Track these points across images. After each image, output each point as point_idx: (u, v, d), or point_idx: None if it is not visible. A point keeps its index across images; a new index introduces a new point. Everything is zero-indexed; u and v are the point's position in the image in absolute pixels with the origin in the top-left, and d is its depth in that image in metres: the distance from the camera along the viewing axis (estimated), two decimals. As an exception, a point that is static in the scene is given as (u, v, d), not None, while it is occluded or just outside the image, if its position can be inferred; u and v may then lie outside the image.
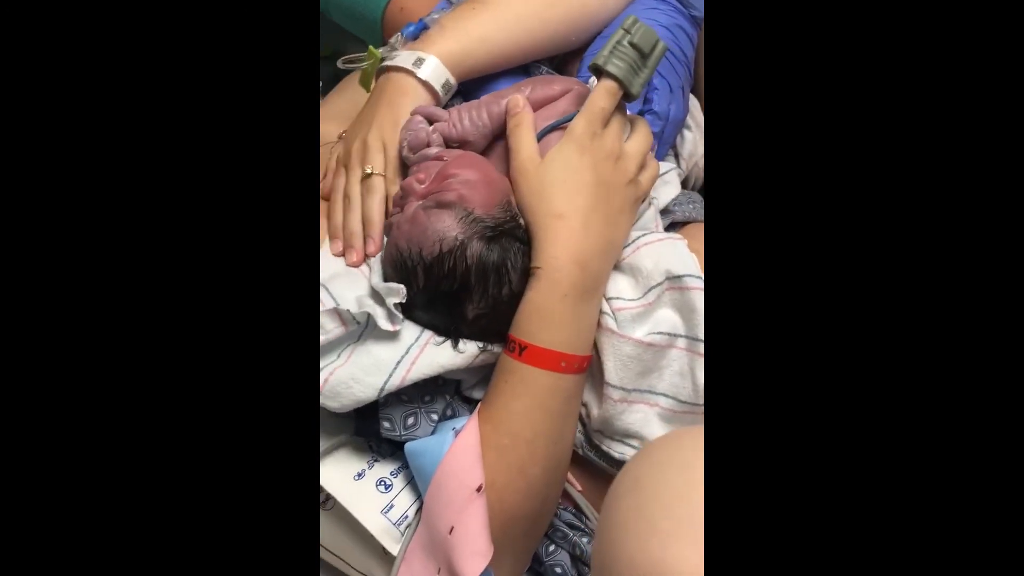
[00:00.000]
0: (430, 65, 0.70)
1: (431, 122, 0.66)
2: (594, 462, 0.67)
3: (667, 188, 0.74)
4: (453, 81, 0.72)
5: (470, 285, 0.59)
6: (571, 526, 0.67)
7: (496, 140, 0.67)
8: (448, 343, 0.60)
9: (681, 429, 0.59)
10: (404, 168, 0.70)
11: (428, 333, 0.61)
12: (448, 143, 0.66)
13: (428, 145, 0.65)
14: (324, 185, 0.73)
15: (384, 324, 0.59)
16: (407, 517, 0.63)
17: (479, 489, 0.57)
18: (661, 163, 0.75)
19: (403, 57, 0.71)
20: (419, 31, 0.75)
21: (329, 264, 0.66)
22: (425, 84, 0.70)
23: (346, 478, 0.64)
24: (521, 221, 0.61)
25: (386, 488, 0.64)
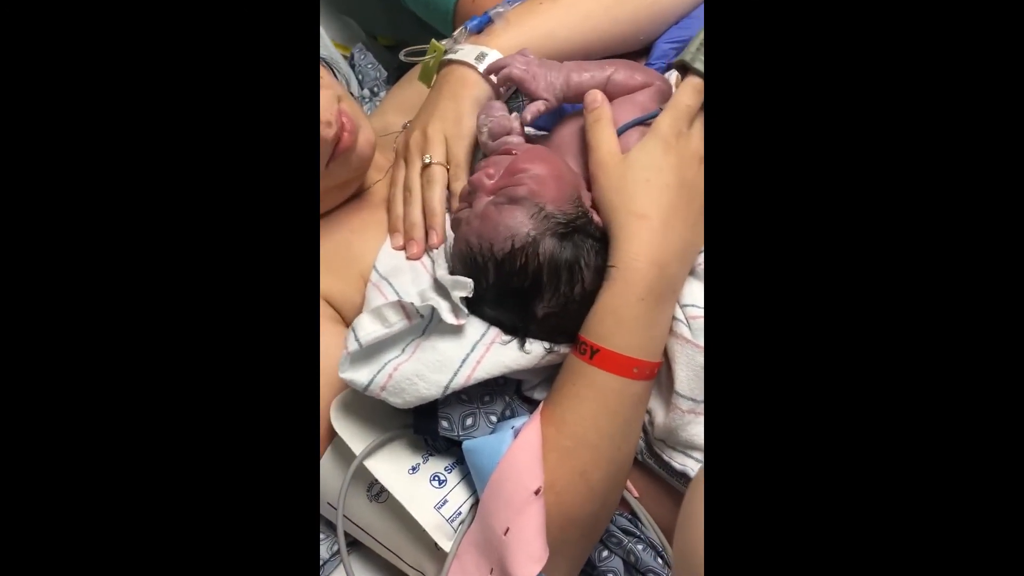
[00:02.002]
0: (492, 60, 0.69)
1: (501, 88, 0.66)
2: (653, 470, 0.65)
3: None
4: None
5: (542, 283, 0.58)
6: (626, 532, 0.66)
7: (566, 131, 0.65)
8: (514, 343, 0.59)
9: None
10: (472, 159, 0.69)
11: (494, 331, 0.60)
12: (520, 90, 0.65)
13: (509, 132, 0.64)
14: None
15: (448, 318, 0.57)
16: (460, 513, 0.62)
17: (537, 491, 0.56)
18: None
19: (466, 51, 0.70)
20: (483, 24, 0.73)
21: (389, 259, 0.65)
22: (487, 79, 0.69)
23: (400, 471, 0.63)
24: (594, 217, 0.60)
25: (440, 483, 0.63)
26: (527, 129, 0.68)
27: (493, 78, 0.68)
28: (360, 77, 1.04)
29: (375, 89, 1.02)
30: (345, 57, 1.07)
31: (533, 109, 0.65)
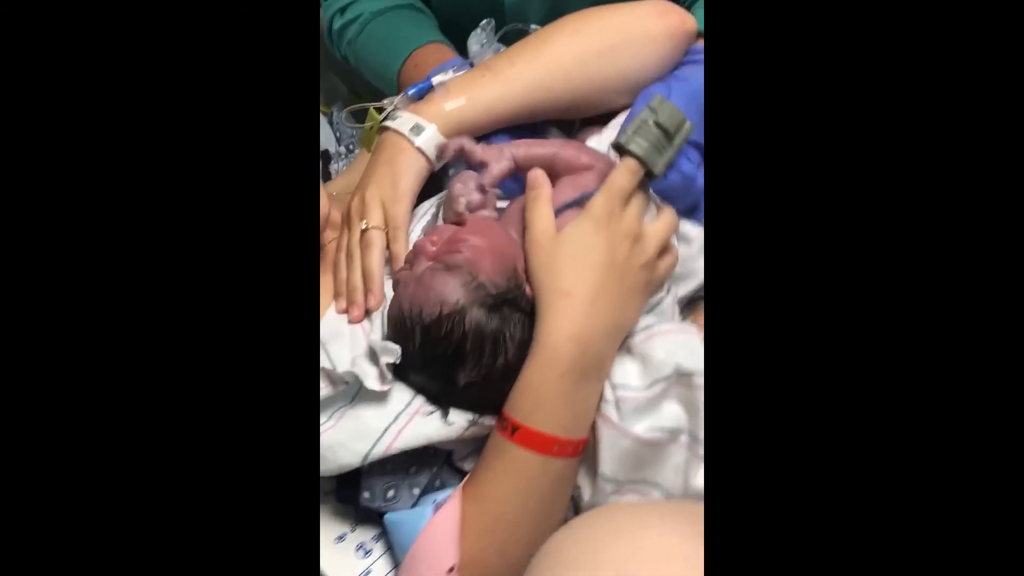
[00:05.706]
0: (427, 134, 0.69)
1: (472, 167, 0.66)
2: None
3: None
4: None
5: (465, 351, 0.57)
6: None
7: (515, 206, 0.65)
8: (437, 413, 0.59)
9: (615, 504, 0.57)
10: (410, 218, 0.70)
11: (419, 400, 0.59)
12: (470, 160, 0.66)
13: (485, 207, 0.64)
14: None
15: (372, 384, 0.57)
16: (382, 586, 0.60)
17: (451, 570, 0.55)
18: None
19: (402, 121, 0.70)
20: (423, 91, 0.74)
21: (333, 323, 0.65)
22: (423, 152, 0.69)
23: (327, 540, 0.62)
24: (528, 292, 0.60)
25: (365, 554, 0.62)
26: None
27: (429, 155, 0.69)
28: (338, 134, 1.05)
29: (351, 146, 1.04)
30: (325, 114, 1.08)
31: (497, 170, 0.65)
